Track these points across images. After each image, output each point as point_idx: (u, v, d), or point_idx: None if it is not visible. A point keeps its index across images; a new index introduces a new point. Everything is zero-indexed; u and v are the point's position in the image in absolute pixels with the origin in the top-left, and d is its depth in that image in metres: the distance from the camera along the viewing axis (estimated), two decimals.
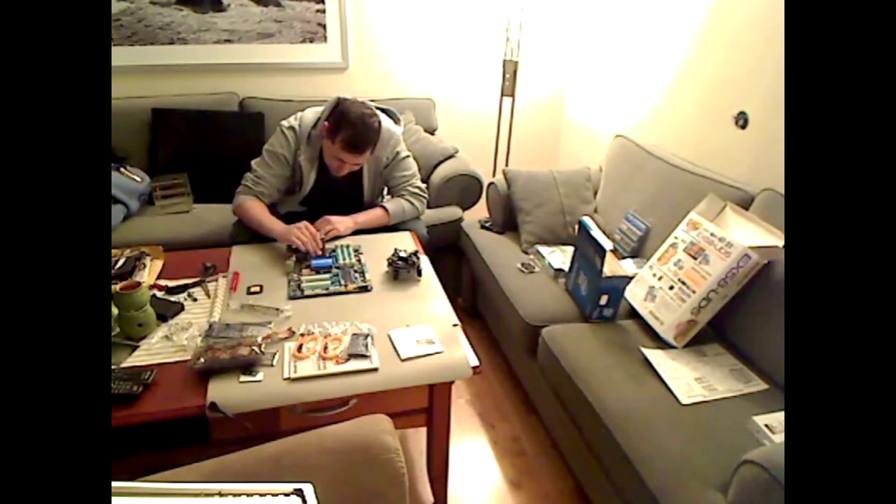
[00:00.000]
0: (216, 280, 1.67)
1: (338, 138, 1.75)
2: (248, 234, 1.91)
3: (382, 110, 1.99)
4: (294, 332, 1.42)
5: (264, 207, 1.89)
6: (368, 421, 1.08)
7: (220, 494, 0.81)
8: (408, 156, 2.03)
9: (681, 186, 1.97)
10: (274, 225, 1.83)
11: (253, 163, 1.92)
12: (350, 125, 1.74)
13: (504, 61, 2.81)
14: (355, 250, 1.82)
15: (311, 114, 1.90)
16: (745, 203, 1.74)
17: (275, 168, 1.89)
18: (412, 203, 2.01)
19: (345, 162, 1.80)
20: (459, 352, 1.39)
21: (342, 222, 1.87)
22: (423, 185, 2.06)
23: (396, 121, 2.03)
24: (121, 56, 2.54)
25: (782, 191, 1.65)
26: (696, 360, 1.57)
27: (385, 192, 2.11)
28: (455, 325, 1.49)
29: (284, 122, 1.90)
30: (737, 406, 1.41)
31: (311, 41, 2.75)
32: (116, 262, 1.72)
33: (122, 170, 2.33)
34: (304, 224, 1.78)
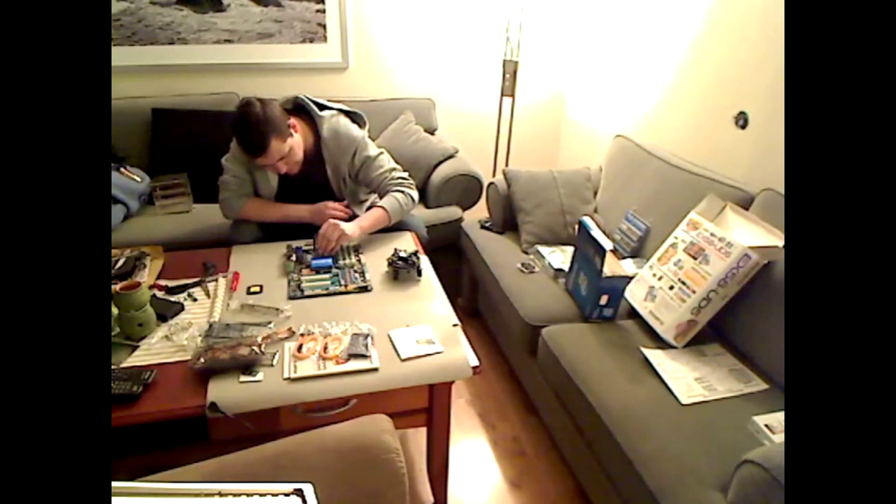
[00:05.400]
0: (216, 280, 1.67)
1: (244, 153, 1.75)
2: (249, 234, 1.92)
3: (345, 112, 1.95)
4: (294, 332, 1.42)
5: (269, 202, 1.92)
6: (368, 421, 1.08)
7: (220, 494, 0.81)
8: (380, 153, 1.94)
9: (681, 186, 1.97)
10: (299, 211, 1.88)
11: (226, 165, 1.88)
12: (236, 131, 1.72)
13: (504, 61, 2.81)
14: (355, 250, 1.82)
15: None
16: (745, 203, 1.74)
17: (244, 163, 1.86)
18: (402, 192, 1.90)
19: (270, 164, 1.76)
20: (459, 352, 1.39)
21: (350, 227, 1.79)
22: (406, 174, 1.97)
23: (361, 124, 1.97)
24: (121, 56, 2.54)
25: (782, 191, 1.65)
26: (696, 360, 1.57)
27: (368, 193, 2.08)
28: (455, 325, 1.49)
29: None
30: (737, 406, 1.41)
31: (311, 41, 2.75)
32: (116, 262, 1.72)
33: (122, 170, 2.33)
34: (329, 203, 1.85)
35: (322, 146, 1.88)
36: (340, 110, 1.95)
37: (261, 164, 1.77)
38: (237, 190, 1.88)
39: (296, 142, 1.78)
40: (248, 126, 1.67)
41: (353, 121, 1.95)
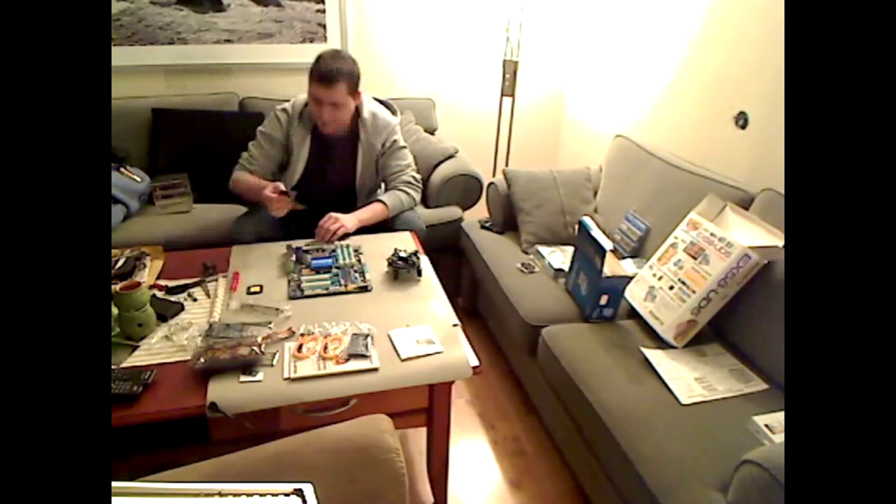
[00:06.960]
0: (216, 280, 1.67)
1: (312, 77, 1.80)
2: (249, 233, 1.92)
3: (381, 102, 2.05)
4: (294, 332, 1.42)
5: (252, 177, 1.97)
6: (368, 421, 1.08)
7: (220, 494, 0.81)
8: (404, 146, 2.06)
9: (681, 186, 1.97)
10: (260, 184, 1.89)
11: (249, 144, 2.00)
12: (319, 59, 1.80)
13: (504, 61, 2.81)
14: (355, 250, 1.82)
15: (303, 96, 1.95)
16: (745, 203, 1.74)
17: (267, 148, 1.97)
18: (408, 193, 2.04)
19: (322, 101, 1.81)
20: (459, 352, 1.39)
21: (348, 220, 1.89)
22: (418, 176, 2.09)
23: (394, 112, 2.07)
24: (121, 56, 2.54)
25: (782, 191, 1.65)
26: (696, 360, 1.57)
27: (382, 186, 2.12)
28: (455, 325, 1.49)
29: (278, 106, 1.98)
30: (737, 406, 1.41)
31: (311, 41, 2.75)
32: (116, 262, 1.72)
33: (122, 170, 2.33)
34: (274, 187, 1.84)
35: (360, 124, 1.97)
36: (374, 99, 2.05)
37: (317, 97, 1.81)
38: (245, 165, 1.98)
39: (351, 106, 1.88)
40: (333, 57, 1.80)
41: (387, 108, 2.06)
